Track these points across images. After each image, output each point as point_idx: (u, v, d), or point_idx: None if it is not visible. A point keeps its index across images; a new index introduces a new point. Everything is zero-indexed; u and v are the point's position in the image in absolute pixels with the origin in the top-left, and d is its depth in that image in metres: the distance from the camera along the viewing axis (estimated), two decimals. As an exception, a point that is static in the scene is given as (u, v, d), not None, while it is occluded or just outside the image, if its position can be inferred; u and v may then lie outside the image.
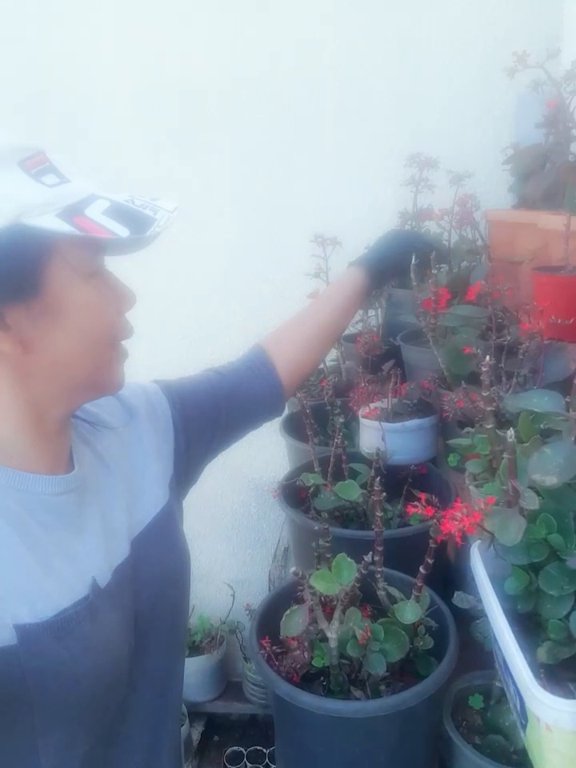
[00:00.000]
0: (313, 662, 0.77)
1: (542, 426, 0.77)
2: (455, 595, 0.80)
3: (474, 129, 1.54)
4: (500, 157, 1.49)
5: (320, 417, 1.42)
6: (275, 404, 0.88)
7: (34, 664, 0.52)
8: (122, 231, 0.54)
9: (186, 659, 2.12)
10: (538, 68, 1.04)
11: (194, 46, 1.58)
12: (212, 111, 1.62)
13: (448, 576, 1.10)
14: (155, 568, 0.68)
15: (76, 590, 0.57)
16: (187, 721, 2.00)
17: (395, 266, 1.03)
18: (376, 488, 0.78)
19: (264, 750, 1.98)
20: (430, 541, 0.72)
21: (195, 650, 2.04)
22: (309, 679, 0.79)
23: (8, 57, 1.64)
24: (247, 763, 1.95)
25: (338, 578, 0.72)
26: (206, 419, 0.80)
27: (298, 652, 0.75)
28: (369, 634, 0.71)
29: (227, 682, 2.12)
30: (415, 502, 0.70)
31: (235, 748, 2.01)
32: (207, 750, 2.06)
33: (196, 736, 2.05)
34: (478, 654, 0.85)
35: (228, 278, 1.74)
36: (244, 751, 1.99)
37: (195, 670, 2.04)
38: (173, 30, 1.58)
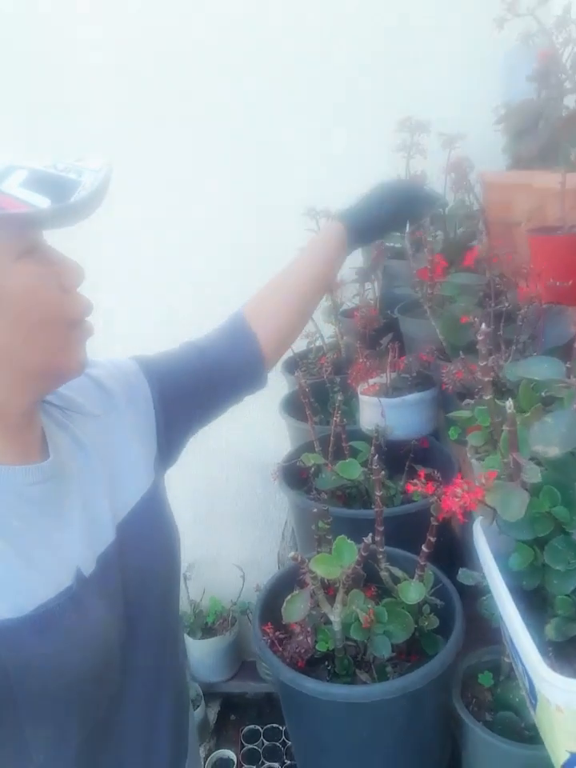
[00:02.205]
0: (317, 647, 0.75)
1: (543, 394, 0.75)
2: (460, 572, 0.78)
3: (464, 88, 1.48)
4: (492, 116, 1.44)
5: (320, 395, 1.40)
6: (256, 377, 0.85)
7: (15, 659, 0.51)
8: (42, 202, 0.50)
9: (200, 641, 2.12)
10: (529, 16, 0.99)
11: (179, 10, 1.52)
12: (198, 80, 1.56)
13: (454, 551, 1.07)
14: (143, 552, 0.66)
15: (59, 580, 0.56)
16: (202, 702, 2.02)
17: (382, 226, 0.95)
18: (375, 466, 0.75)
19: (280, 727, 1.99)
20: (432, 518, 0.70)
21: (208, 631, 2.05)
22: (313, 663, 0.77)
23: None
24: (264, 741, 1.97)
25: (339, 560, 0.70)
26: (185, 397, 0.77)
27: (302, 637, 0.73)
28: (372, 616, 0.69)
29: (241, 662, 2.13)
30: (415, 480, 0.68)
31: (252, 726, 2.03)
32: (224, 730, 2.07)
33: (212, 716, 2.07)
34: (486, 630, 0.83)
35: (222, 253, 1.70)
36: (260, 729, 2.00)
37: (209, 651, 2.05)
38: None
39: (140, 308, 1.79)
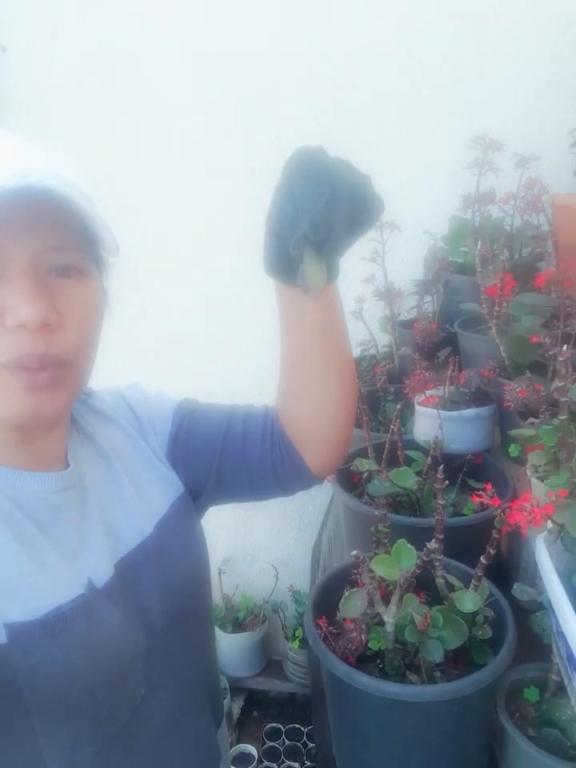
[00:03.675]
0: (369, 645, 0.77)
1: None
2: (515, 586, 0.79)
3: (542, 109, 1.49)
4: (567, 139, 1.44)
5: (371, 403, 1.42)
6: (304, 483, 0.79)
7: (26, 663, 0.50)
8: None
9: (229, 635, 2.15)
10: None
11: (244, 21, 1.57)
12: (263, 88, 1.60)
13: (500, 567, 1.09)
14: (167, 566, 0.66)
15: (73, 587, 0.56)
16: (229, 695, 2.05)
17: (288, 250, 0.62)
18: (439, 476, 0.77)
19: (302, 728, 2.01)
20: (494, 531, 0.71)
21: (238, 627, 2.09)
22: (363, 661, 0.79)
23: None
24: (285, 740, 1.99)
25: (398, 563, 0.72)
26: (199, 460, 0.74)
27: (355, 634, 0.75)
28: (428, 620, 0.71)
29: (268, 660, 2.16)
30: (480, 491, 0.69)
31: (274, 724, 2.05)
32: (246, 725, 2.10)
33: (236, 710, 2.10)
34: (534, 646, 0.84)
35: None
36: (282, 728, 2.03)
37: (237, 646, 2.08)
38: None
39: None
